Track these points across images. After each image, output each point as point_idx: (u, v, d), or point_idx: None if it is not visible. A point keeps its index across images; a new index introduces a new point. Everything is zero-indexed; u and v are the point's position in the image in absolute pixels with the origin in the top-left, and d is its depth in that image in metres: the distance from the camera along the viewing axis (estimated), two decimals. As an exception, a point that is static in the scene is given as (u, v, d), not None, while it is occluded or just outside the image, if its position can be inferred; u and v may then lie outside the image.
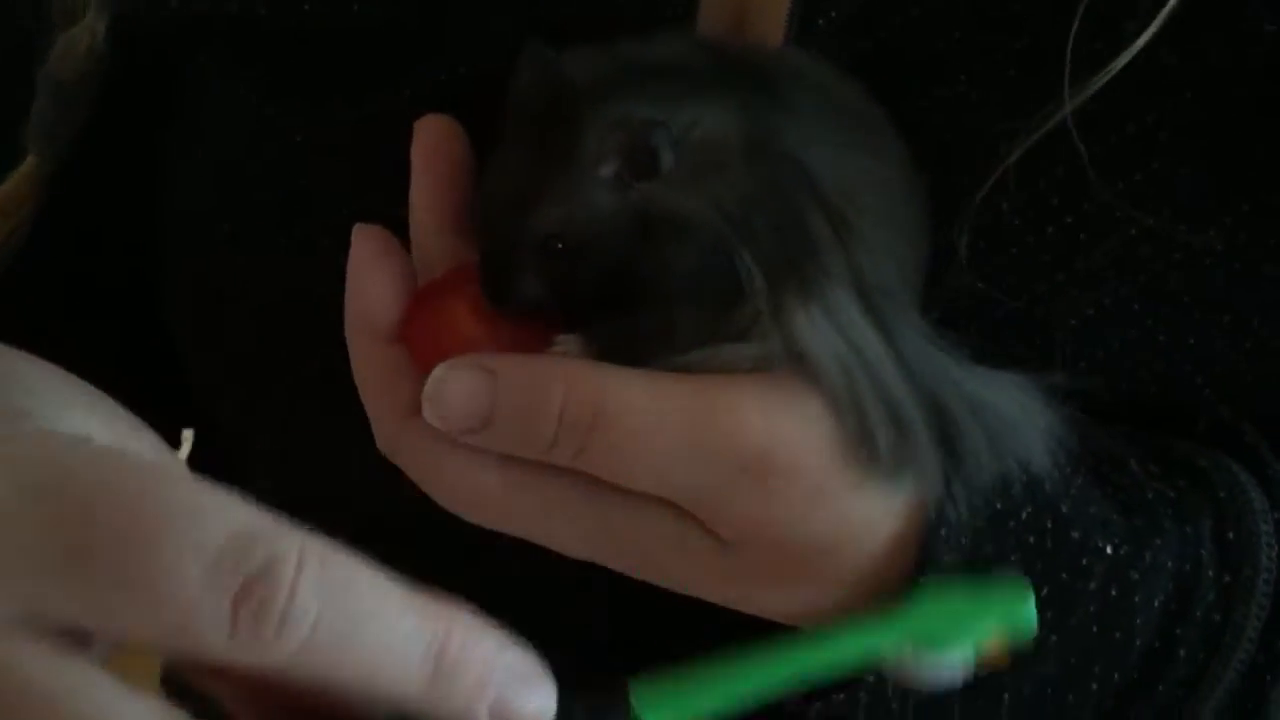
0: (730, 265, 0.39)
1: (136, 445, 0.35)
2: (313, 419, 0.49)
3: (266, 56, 0.47)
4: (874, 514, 0.39)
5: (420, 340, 0.42)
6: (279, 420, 0.50)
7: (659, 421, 0.38)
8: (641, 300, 0.39)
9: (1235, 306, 0.44)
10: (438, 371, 0.40)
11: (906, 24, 0.44)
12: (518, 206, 0.39)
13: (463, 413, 0.39)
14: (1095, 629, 0.40)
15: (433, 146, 0.44)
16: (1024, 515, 0.40)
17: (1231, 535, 0.41)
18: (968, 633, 0.36)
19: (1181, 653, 0.41)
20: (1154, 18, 0.42)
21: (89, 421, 0.34)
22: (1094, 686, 0.40)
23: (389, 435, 0.42)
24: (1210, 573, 0.41)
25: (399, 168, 0.44)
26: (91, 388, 0.35)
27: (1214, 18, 0.43)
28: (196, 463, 0.57)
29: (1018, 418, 0.39)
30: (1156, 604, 0.40)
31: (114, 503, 0.29)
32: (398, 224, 0.44)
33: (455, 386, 0.39)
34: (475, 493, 0.40)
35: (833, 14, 0.45)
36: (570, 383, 0.39)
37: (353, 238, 0.43)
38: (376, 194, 0.46)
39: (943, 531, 0.39)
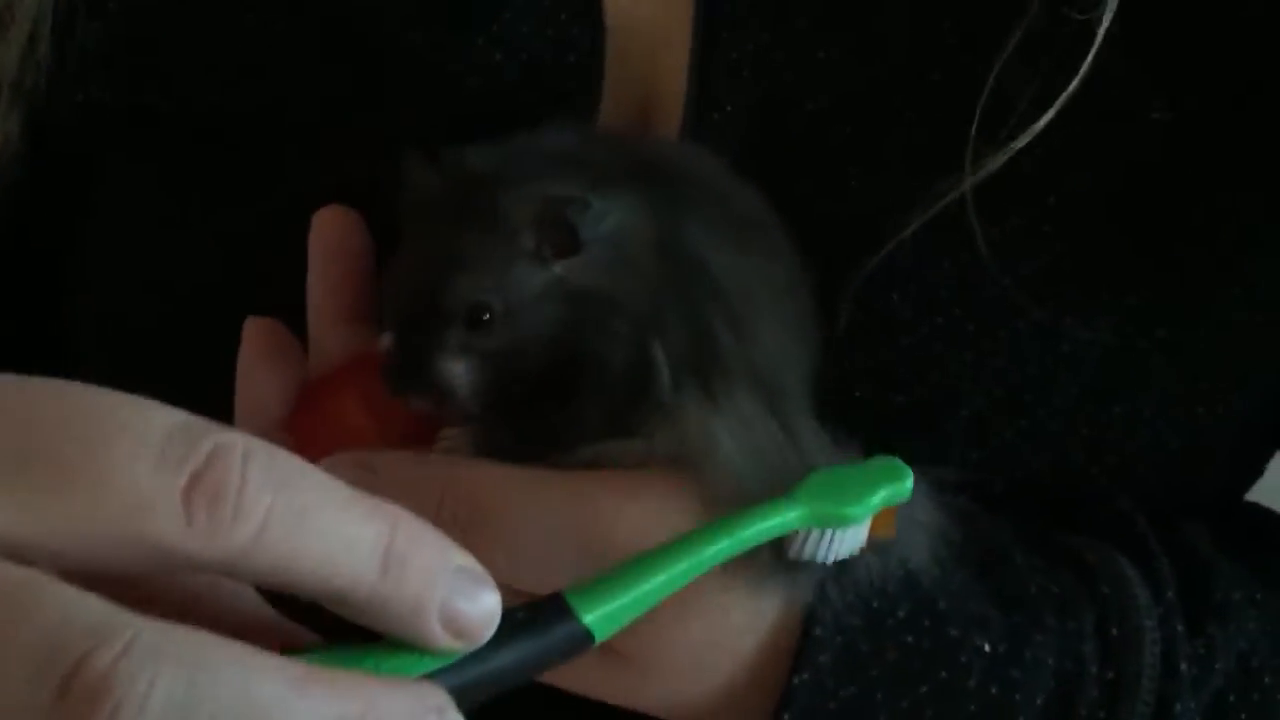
0: (644, 357, 0.39)
1: None
2: None
3: (169, 150, 0.47)
4: (750, 612, 0.39)
5: (308, 434, 0.42)
6: None
7: (538, 519, 0.38)
8: (553, 390, 0.39)
9: (1127, 399, 0.44)
10: (319, 466, 0.40)
11: (800, 118, 0.45)
12: (435, 284, 0.39)
13: None
14: None
15: (330, 237, 0.44)
16: (900, 614, 0.40)
17: (1115, 631, 0.41)
18: (860, 507, 0.37)
19: None
20: (1043, 110, 0.43)
21: None
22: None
23: None
24: (1093, 669, 0.41)
25: (298, 260, 0.45)
26: None
27: (1101, 108, 0.43)
28: None
29: (903, 514, 0.39)
30: (1039, 702, 0.40)
31: (48, 406, 0.28)
32: (296, 314, 0.44)
33: None
34: None
35: (728, 108, 0.45)
36: (450, 479, 0.39)
37: (243, 331, 0.43)
38: (277, 286, 0.46)
39: (817, 631, 0.39)
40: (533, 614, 0.32)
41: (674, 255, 0.39)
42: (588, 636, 0.32)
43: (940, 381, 0.44)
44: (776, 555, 0.38)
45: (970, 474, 0.44)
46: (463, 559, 0.30)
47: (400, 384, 0.39)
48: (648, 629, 0.38)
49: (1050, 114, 0.42)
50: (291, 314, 0.44)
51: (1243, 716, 0.42)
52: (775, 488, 0.38)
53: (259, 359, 0.43)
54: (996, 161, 0.42)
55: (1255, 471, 0.50)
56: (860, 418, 0.42)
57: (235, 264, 0.47)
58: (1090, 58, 0.41)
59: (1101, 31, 0.41)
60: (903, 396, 0.44)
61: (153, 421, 0.28)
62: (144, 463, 0.27)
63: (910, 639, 0.40)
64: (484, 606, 0.30)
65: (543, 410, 0.39)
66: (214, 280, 0.47)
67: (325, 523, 0.28)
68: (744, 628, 0.39)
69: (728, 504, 0.38)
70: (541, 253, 0.39)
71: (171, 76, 0.47)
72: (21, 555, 0.27)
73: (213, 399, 0.47)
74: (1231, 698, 0.42)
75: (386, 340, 0.43)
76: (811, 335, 0.42)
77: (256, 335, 0.43)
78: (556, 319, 0.39)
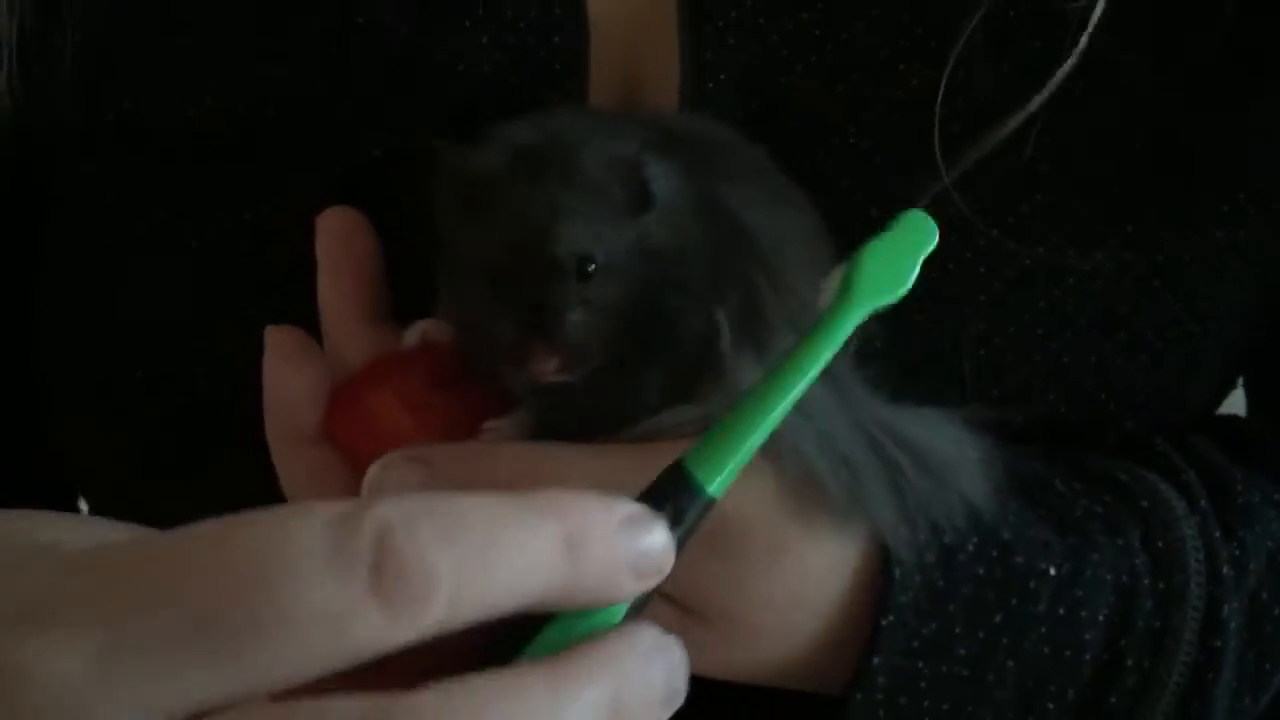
0: (710, 321, 0.38)
1: None
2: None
3: (154, 163, 0.46)
4: (831, 560, 0.40)
5: (349, 438, 0.41)
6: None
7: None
8: (628, 356, 0.38)
9: (1130, 324, 0.46)
10: (373, 470, 0.39)
11: (792, 80, 0.45)
12: (539, 239, 0.37)
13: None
14: (1047, 650, 0.41)
15: (338, 239, 0.43)
16: (970, 547, 0.41)
17: (1160, 544, 0.43)
18: (907, 279, 0.36)
19: (1129, 662, 0.42)
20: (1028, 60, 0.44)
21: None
22: (1050, 706, 0.41)
23: None
24: (1146, 581, 0.42)
25: (295, 267, 0.44)
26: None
27: (1085, 60, 0.45)
28: None
29: (953, 453, 0.40)
30: (1101, 618, 0.42)
31: (205, 557, 0.27)
32: (302, 322, 0.43)
33: (393, 482, 0.39)
34: None
35: (721, 76, 0.45)
36: (511, 463, 0.38)
37: (266, 340, 0.42)
38: (275, 295, 0.45)
39: (897, 572, 0.40)
40: (662, 497, 0.32)
41: (713, 217, 0.39)
42: (711, 501, 0.32)
43: (954, 325, 0.45)
44: (851, 501, 0.39)
45: (989, 412, 0.45)
46: (625, 507, 0.29)
47: (527, 346, 0.37)
48: (729, 590, 0.39)
49: (1049, 90, 0.43)
50: (297, 319, 0.43)
51: (1276, 612, 0.44)
52: (826, 442, 0.39)
53: (285, 365, 0.41)
54: (994, 137, 0.44)
55: (1231, 385, 0.53)
56: (878, 366, 0.42)
57: (227, 276, 0.46)
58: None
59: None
60: (918, 341, 0.45)
61: (308, 533, 0.27)
62: (321, 578, 0.26)
63: (982, 570, 0.41)
64: (660, 542, 0.30)
65: (608, 380, 0.38)
66: (206, 292, 0.46)
67: (505, 546, 0.28)
68: (825, 576, 0.40)
69: (788, 461, 0.39)
70: (630, 207, 0.38)
71: (144, 88, 0.46)
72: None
73: (204, 417, 0.46)
74: (1264, 595, 0.44)
75: (414, 336, 0.43)
76: None
77: (280, 342, 0.42)
78: (644, 275, 0.38)
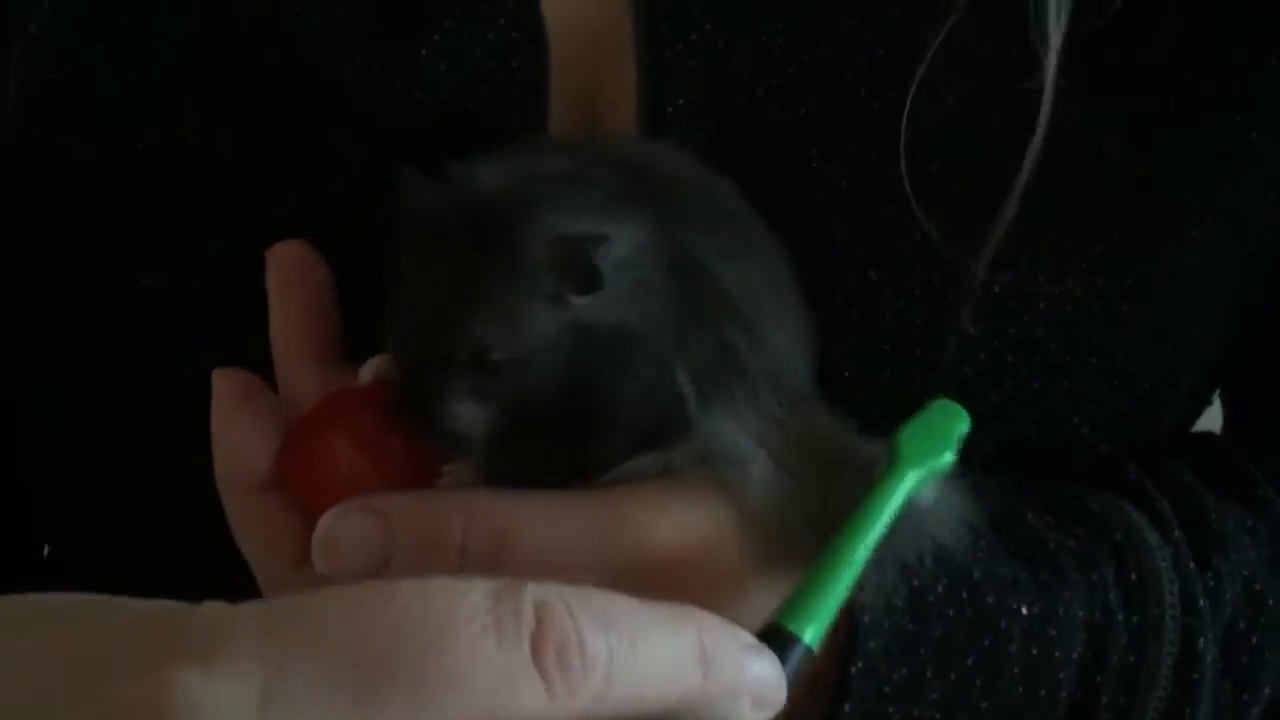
0: (667, 385, 0.38)
1: None
2: (191, 571, 0.46)
3: (102, 202, 0.45)
4: None
5: (302, 482, 0.40)
6: (153, 571, 0.47)
7: (567, 541, 0.37)
8: (570, 428, 0.38)
9: (1102, 348, 0.45)
10: (325, 519, 0.38)
11: (754, 104, 0.44)
12: (447, 323, 0.37)
13: (358, 560, 0.38)
14: (1021, 689, 0.40)
15: (289, 275, 0.42)
16: (940, 588, 0.40)
17: (1134, 577, 0.42)
18: (949, 452, 0.38)
19: (1103, 699, 0.41)
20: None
21: None
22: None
23: (277, 588, 0.39)
24: (1120, 617, 0.41)
25: (250, 306, 0.43)
26: None
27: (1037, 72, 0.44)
28: None
29: (925, 494, 0.39)
30: (1075, 655, 0.41)
31: (365, 611, 0.27)
32: (258, 361, 0.42)
33: (347, 534, 0.38)
34: None
35: (681, 100, 0.44)
36: (469, 513, 0.37)
37: (214, 384, 0.41)
38: (230, 335, 0.44)
39: (865, 618, 0.39)
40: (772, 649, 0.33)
41: (684, 273, 0.38)
42: (810, 649, 0.34)
43: (924, 354, 0.44)
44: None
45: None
46: (748, 635, 0.31)
47: (410, 425, 0.37)
48: None
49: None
50: (253, 361, 0.42)
51: (1253, 640, 0.43)
52: (807, 487, 0.38)
53: (234, 410, 0.40)
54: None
55: (1207, 401, 0.52)
56: (849, 397, 0.41)
57: (180, 317, 0.45)
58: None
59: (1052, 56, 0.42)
60: (889, 371, 0.44)
61: (474, 597, 0.28)
62: (487, 641, 0.27)
63: (952, 612, 0.40)
64: (776, 674, 0.31)
65: (560, 447, 0.38)
66: (162, 336, 0.45)
67: (653, 645, 0.29)
68: None
69: (761, 509, 0.38)
70: (560, 294, 0.37)
71: (93, 127, 0.44)
72: None
73: (171, 457, 0.45)
74: (1241, 624, 0.43)
75: (369, 372, 0.42)
76: (808, 327, 0.42)
77: (227, 386, 0.41)
78: (571, 359, 0.37)
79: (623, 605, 0.29)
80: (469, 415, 0.37)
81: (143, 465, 0.45)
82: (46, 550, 0.53)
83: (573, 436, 0.37)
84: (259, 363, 0.42)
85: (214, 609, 0.28)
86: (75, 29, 0.44)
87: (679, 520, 0.37)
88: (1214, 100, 0.44)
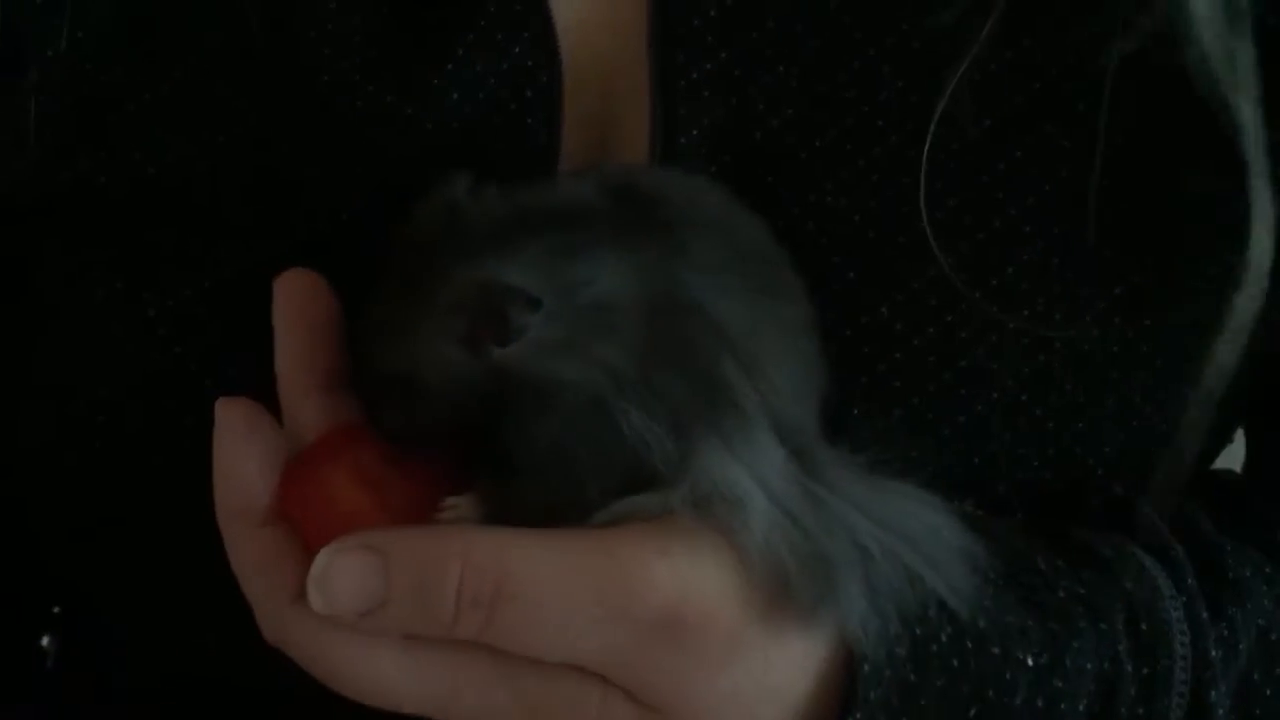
0: (612, 427, 0.37)
1: None
2: (190, 599, 0.46)
3: (111, 228, 0.44)
4: (796, 659, 0.38)
5: (301, 516, 0.40)
6: (154, 599, 0.47)
7: (564, 587, 0.37)
8: (518, 462, 0.38)
9: (1119, 389, 0.44)
10: (321, 557, 0.38)
11: (768, 135, 0.44)
12: (375, 339, 0.39)
13: (354, 598, 0.37)
14: None
15: (295, 303, 0.42)
16: (944, 638, 0.39)
17: (1144, 626, 0.41)
18: None
19: None
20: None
21: None
22: None
23: (274, 623, 0.39)
24: (1129, 668, 0.41)
25: (257, 335, 0.42)
26: None
27: (1060, 108, 0.43)
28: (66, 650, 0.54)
29: (932, 541, 0.39)
30: (1081, 708, 0.40)
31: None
32: (264, 389, 0.42)
33: (342, 572, 0.37)
34: (375, 678, 0.38)
35: (694, 131, 0.44)
36: (467, 555, 0.37)
37: (216, 413, 0.40)
38: (234, 365, 0.44)
39: (866, 668, 0.38)
40: None
41: (669, 312, 0.38)
42: None
43: (936, 392, 0.44)
44: (820, 595, 0.37)
45: (972, 477, 0.44)
46: None
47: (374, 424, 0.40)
48: (688, 685, 0.37)
49: None
50: (258, 390, 0.42)
51: (1267, 692, 0.42)
52: (797, 535, 0.37)
53: (236, 441, 0.40)
54: None
55: (1227, 440, 0.51)
56: (860, 434, 0.41)
57: (185, 346, 0.44)
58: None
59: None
60: (900, 410, 0.44)
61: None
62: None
63: (956, 662, 0.39)
64: None
65: (530, 486, 0.38)
66: (168, 362, 0.44)
67: None
68: (790, 671, 0.38)
69: (761, 556, 0.37)
70: (474, 338, 0.38)
71: (102, 151, 0.44)
72: None
73: (174, 484, 0.45)
74: (1256, 675, 0.42)
75: None
76: (821, 368, 0.41)
77: (230, 416, 0.40)
78: (495, 401, 0.38)
79: None
80: (393, 426, 0.39)
81: (145, 489, 0.45)
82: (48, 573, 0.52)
83: (532, 477, 0.38)
84: (265, 390, 0.42)
85: None
86: (90, 57, 0.44)
87: (678, 567, 0.37)
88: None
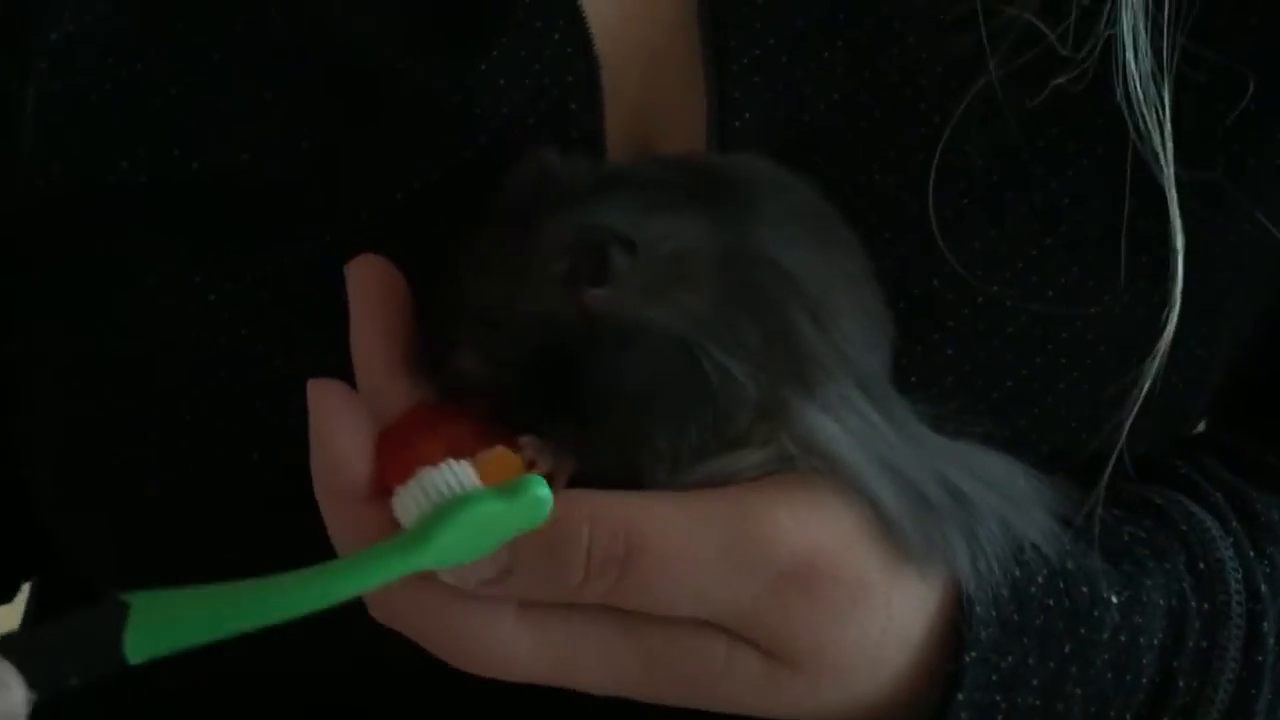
0: (698, 373, 0.38)
1: None
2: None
3: (161, 220, 0.44)
4: (914, 604, 0.40)
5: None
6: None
7: (694, 542, 0.37)
8: (596, 409, 0.39)
9: (1126, 368, 0.46)
10: None
11: (816, 118, 0.46)
12: (465, 282, 0.40)
13: (479, 566, 0.38)
14: (1110, 675, 0.42)
15: (369, 287, 0.42)
16: (1040, 579, 0.41)
17: (1202, 565, 0.44)
18: (492, 539, 0.36)
19: (1180, 683, 0.43)
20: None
21: None
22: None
23: (386, 600, 0.39)
24: (1193, 604, 0.43)
25: (319, 318, 0.42)
26: None
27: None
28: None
29: (1017, 488, 0.41)
30: (1156, 641, 0.43)
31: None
32: (329, 375, 0.41)
33: None
34: (496, 648, 0.38)
35: (747, 114, 0.45)
36: (595, 516, 0.38)
37: (309, 393, 0.40)
38: (299, 348, 0.43)
39: (977, 609, 0.40)
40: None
41: (748, 264, 0.39)
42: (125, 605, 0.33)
43: (987, 358, 0.46)
44: (930, 542, 0.39)
45: (1019, 439, 0.46)
46: None
47: (431, 370, 0.40)
48: (818, 633, 0.38)
49: None
50: (329, 373, 0.41)
51: None
52: (904, 486, 0.39)
53: (333, 419, 0.40)
54: None
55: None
56: (913, 400, 0.43)
57: (249, 330, 0.44)
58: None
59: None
60: (952, 376, 0.45)
61: None
62: None
63: (1052, 601, 0.41)
64: None
65: (617, 433, 0.39)
66: (235, 345, 0.44)
67: None
68: (909, 615, 0.40)
69: (872, 498, 0.39)
70: (572, 279, 0.39)
71: (148, 142, 0.44)
72: None
73: (226, 480, 0.44)
74: None
75: None
76: (887, 321, 0.43)
77: (322, 396, 0.40)
78: (583, 345, 0.38)
79: None
80: (467, 365, 0.39)
81: (210, 488, 0.44)
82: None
83: (606, 424, 0.39)
84: (335, 374, 0.41)
85: None
86: (121, 52, 0.44)
87: (804, 519, 0.38)
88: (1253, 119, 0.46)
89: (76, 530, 0.48)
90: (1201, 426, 0.56)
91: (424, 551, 0.36)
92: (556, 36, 0.44)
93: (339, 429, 0.40)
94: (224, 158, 0.44)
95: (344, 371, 0.42)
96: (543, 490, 0.36)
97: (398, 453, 0.40)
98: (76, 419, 0.46)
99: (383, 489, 0.40)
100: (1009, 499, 0.41)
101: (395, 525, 0.40)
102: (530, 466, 0.40)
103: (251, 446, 0.44)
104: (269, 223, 0.44)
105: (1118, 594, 0.42)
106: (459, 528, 0.36)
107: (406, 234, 0.43)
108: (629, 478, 0.39)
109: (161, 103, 0.44)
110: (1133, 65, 0.44)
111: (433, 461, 0.40)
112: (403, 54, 0.44)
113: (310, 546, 0.40)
